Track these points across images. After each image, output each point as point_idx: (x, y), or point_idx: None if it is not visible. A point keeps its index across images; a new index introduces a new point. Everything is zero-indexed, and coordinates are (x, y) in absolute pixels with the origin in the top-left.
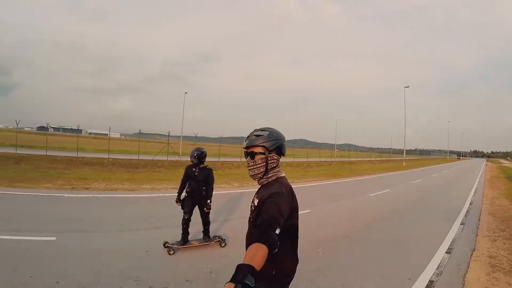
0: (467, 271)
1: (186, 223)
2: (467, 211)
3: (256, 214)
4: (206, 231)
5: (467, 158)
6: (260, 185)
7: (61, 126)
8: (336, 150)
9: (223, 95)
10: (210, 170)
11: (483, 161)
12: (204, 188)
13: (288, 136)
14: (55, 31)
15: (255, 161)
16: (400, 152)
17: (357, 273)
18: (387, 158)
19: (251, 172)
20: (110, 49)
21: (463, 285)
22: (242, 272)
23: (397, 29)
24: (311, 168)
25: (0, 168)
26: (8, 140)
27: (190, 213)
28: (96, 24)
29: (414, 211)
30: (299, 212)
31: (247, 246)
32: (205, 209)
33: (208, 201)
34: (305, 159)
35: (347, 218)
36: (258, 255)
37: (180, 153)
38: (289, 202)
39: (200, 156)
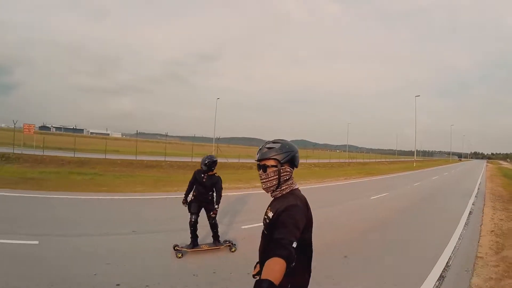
0: (483, 209)
1: (194, 225)
2: (477, 192)
3: (272, 228)
4: (215, 235)
5: (468, 159)
6: (273, 198)
7: (62, 125)
8: (337, 151)
9: (223, 95)
10: (218, 178)
11: (483, 162)
12: (210, 193)
13: (288, 137)
14: (55, 31)
15: (268, 174)
16: (402, 153)
17: (434, 206)
18: (395, 160)
19: (264, 186)
20: (111, 49)
21: (483, 212)
22: (261, 287)
23: (397, 29)
24: (337, 168)
25: (69, 171)
26: (44, 142)
27: (197, 215)
28: (96, 23)
29: (446, 191)
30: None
31: (261, 260)
32: (211, 213)
33: (216, 206)
34: (327, 160)
35: (412, 196)
36: (276, 269)
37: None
38: (304, 214)
39: (210, 164)
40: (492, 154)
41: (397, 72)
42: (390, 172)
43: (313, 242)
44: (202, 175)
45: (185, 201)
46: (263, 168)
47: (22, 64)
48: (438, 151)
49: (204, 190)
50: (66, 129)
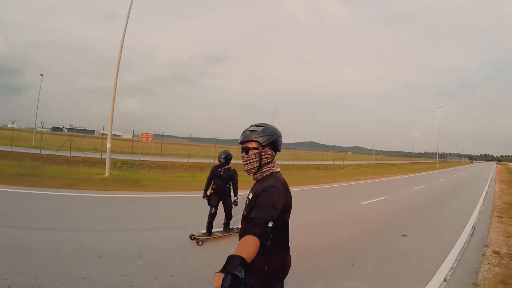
0: (495, 185)
1: (212, 217)
2: (491, 179)
3: (251, 208)
4: (227, 223)
5: (478, 161)
6: (255, 180)
7: (74, 126)
8: (349, 153)
9: (228, 96)
10: (234, 171)
11: (493, 164)
12: (227, 186)
13: (297, 139)
14: (62, 32)
15: (249, 156)
16: (416, 155)
17: (470, 183)
18: (415, 162)
19: (245, 167)
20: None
21: (495, 186)
22: (232, 263)
23: (402, 30)
24: (377, 168)
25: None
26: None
27: (216, 208)
28: (105, 26)
29: (474, 179)
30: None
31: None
32: (233, 205)
33: (235, 197)
34: (366, 162)
35: (456, 181)
36: (249, 247)
37: None
38: (283, 196)
39: (227, 157)
40: (502, 156)
41: (404, 74)
42: (422, 171)
43: (447, 189)
44: (219, 169)
45: (205, 195)
46: (245, 150)
47: (31, 66)
48: (448, 153)
49: (222, 183)
50: (78, 130)
